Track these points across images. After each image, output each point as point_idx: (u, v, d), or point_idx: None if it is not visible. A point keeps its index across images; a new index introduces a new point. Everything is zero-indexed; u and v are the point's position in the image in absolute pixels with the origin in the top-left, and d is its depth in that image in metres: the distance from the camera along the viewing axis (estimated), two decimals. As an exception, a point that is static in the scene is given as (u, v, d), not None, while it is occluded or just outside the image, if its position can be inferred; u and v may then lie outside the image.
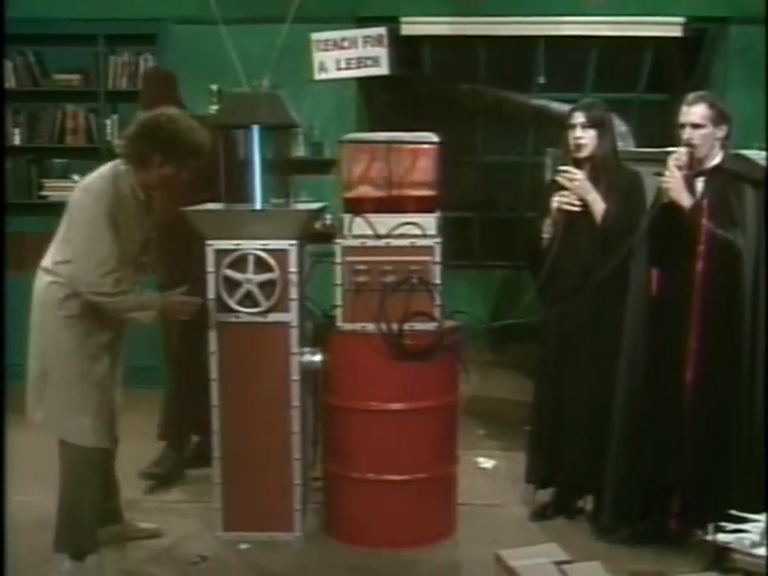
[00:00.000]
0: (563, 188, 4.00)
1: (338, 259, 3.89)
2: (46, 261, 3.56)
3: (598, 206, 3.95)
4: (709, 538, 3.46)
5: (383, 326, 3.81)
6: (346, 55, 4.46)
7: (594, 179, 3.99)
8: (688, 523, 3.74)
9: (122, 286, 3.43)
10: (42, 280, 3.55)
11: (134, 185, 3.52)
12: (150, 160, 3.49)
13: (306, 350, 3.94)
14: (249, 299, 3.84)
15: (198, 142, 3.53)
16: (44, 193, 6.60)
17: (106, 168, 3.55)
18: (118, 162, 3.56)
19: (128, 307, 3.53)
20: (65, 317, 3.47)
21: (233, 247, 3.83)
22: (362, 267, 3.87)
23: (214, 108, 5.86)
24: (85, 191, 3.48)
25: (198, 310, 3.72)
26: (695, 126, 3.70)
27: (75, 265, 3.41)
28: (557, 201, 4.01)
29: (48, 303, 3.50)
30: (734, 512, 3.41)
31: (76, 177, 6.24)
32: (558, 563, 3.62)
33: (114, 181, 3.48)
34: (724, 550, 3.39)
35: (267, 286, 3.83)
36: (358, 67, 4.48)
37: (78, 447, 3.53)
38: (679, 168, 3.71)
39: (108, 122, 6.53)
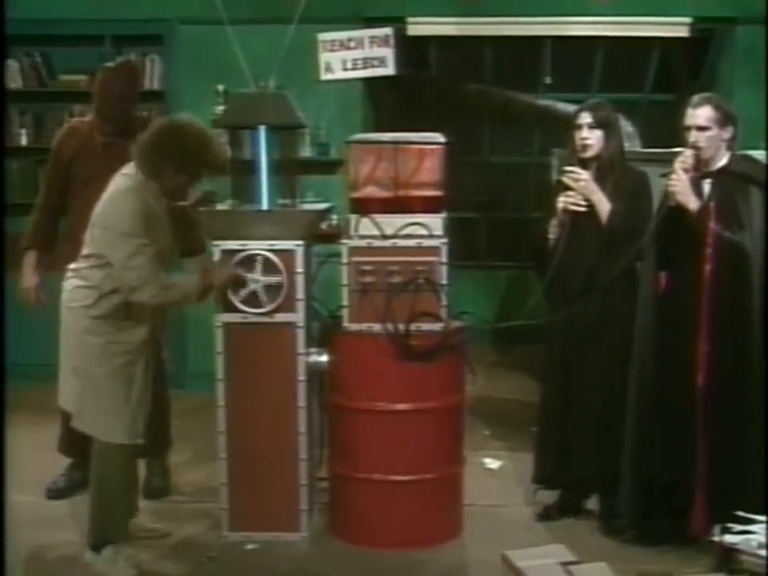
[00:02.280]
0: (569, 188, 4.00)
1: (345, 259, 3.89)
2: (75, 264, 3.62)
3: (604, 206, 3.95)
4: (716, 539, 3.46)
5: (389, 327, 3.81)
6: (352, 56, 4.44)
7: (600, 180, 3.99)
8: (696, 524, 3.73)
9: (150, 278, 3.47)
10: (70, 282, 3.61)
11: (153, 192, 3.53)
12: (162, 170, 3.50)
13: (313, 350, 3.95)
14: (255, 299, 3.84)
15: (211, 152, 3.53)
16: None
17: (121, 180, 3.54)
18: (127, 170, 3.57)
19: (173, 300, 3.64)
20: (93, 317, 3.52)
21: (239, 247, 3.83)
22: (368, 267, 3.87)
23: (220, 108, 5.86)
24: (110, 208, 3.48)
25: (234, 277, 3.81)
26: (701, 128, 3.69)
27: (117, 278, 3.48)
28: (562, 201, 4.00)
29: (76, 305, 3.55)
30: (741, 513, 3.41)
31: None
32: (565, 564, 3.63)
33: (134, 193, 3.48)
34: (731, 551, 3.39)
35: (274, 287, 3.84)
36: (365, 68, 4.46)
37: (105, 443, 3.57)
38: (685, 170, 3.70)
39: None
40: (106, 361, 3.53)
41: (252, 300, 3.84)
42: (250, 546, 3.94)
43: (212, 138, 3.58)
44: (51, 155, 4.49)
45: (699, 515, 3.71)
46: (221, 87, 6.08)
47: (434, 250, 3.88)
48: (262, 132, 3.92)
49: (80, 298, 3.54)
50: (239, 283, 3.82)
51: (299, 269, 3.85)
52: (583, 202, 3.97)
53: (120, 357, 3.55)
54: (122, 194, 3.50)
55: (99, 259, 3.52)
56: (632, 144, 6.31)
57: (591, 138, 3.97)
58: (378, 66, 4.45)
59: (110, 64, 4.49)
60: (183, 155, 3.49)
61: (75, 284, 3.58)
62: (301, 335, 3.89)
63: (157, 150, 3.49)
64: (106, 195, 3.54)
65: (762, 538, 3.34)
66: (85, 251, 3.59)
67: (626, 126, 6.35)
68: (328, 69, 4.45)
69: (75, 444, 4.14)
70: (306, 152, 6.33)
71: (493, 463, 4.95)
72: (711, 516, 3.64)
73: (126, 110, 4.41)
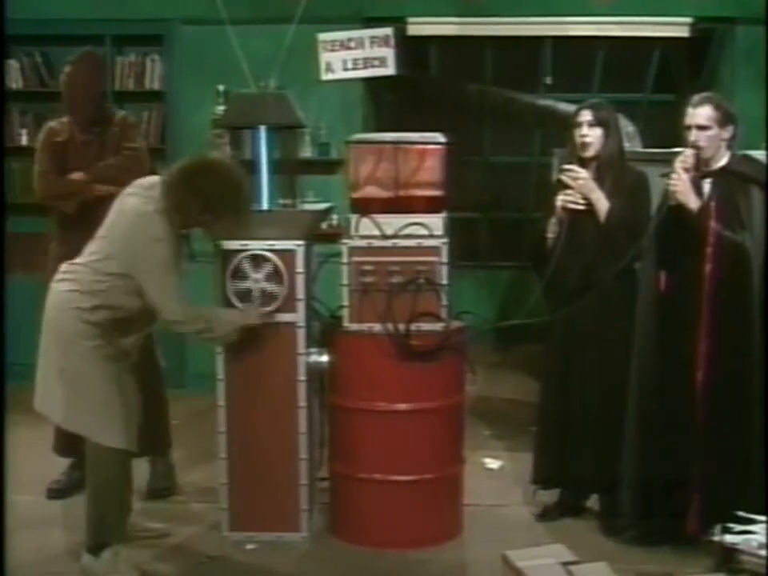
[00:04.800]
0: (568, 187, 4.00)
1: (345, 259, 3.89)
2: (70, 267, 3.56)
3: (602, 204, 3.95)
4: (716, 538, 3.45)
5: (390, 327, 3.81)
6: (352, 56, 4.45)
7: (599, 178, 3.99)
8: (696, 524, 3.73)
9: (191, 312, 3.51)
10: (62, 284, 3.53)
11: (174, 222, 3.48)
12: (190, 207, 3.45)
13: (313, 350, 3.95)
14: (256, 300, 3.84)
15: (242, 200, 3.51)
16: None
17: (146, 202, 3.47)
18: (149, 191, 3.52)
19: (219, 336, 3.68)
20: (85, 322, 3.46)
21: (240, 247, 3.83)
22: (368, 267, 3.87)
23: (220, 109, 5.87)
24: (140, 230, 3.43)
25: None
26: (701, 127, 3.69)
27: (158, 305, 3.46)
28: (561, 199, 4.01)
29: (69, 308, 3.48)
30: (741, 513, 3.41)
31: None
32: (565, 564, 3.61)
33: (161, 217, 3.43)
34: (731, 551, 3.38)
35: (274, 287, 3.84)
36: (365, 68, 4.47)
37: (98, 446, 3.54)
38: (686, 170, 3.70)
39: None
40: (96, 364, 3.47)
41: (254, 300, 3.84)
42: (249, 546, 3.93)
43: (246, 185, 3.54)
44: (43, 146, 4.47)
45: (696, 514, 3.71)
46: (221, 87, 6.09)
47: (434, 250, 3.88)
48: (263, 132, 3.93)
49: (75, 301, 3.47)
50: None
51: (299, 269, 3.85)
52: (582, 201, 3.97)
53: (110, 360, 3.50)
54: (149, 217, 3.43)
55: (108, 269, 3.47)
56: (633, 144, 6.31)
57: (591, 136, 3.97)
58: (378, 66, 4.46)
59: (71, 58, 4.36)
60: (216, 198, 3.43)
61: (69, 287, 3.50)
62: (301, 335, 3.89)
63: (189, 188, 3.43)
64: (128, 213, 3.48)
65: (762, 538, 3.33)
66: (88, 258, 3.53)
67: (627, 126, 6.36)
68: (328, 69, 4.45)
69: (70, 444, 4.13)
70: (307, 152, 6.34)
71: (493, 463, 4.95)
72: (708, 515, 3.64)
73: (94, 101, 4.32)
